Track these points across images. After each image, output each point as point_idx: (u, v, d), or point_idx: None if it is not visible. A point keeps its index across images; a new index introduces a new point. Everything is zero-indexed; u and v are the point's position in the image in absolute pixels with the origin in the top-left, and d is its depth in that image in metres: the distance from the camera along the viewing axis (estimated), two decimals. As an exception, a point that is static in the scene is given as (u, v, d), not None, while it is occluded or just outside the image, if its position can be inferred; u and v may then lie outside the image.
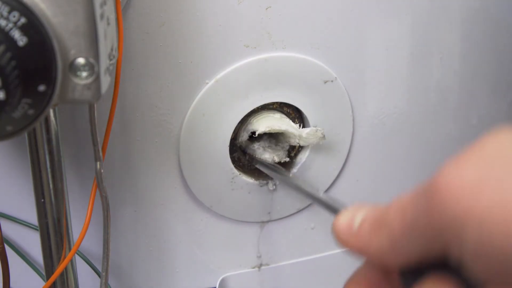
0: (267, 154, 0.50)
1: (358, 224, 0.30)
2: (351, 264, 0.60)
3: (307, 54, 0.48)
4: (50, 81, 0.30)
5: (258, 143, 0.50)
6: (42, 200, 0.40)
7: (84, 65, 0.31)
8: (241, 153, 0.52)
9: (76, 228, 0.42)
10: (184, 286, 0.54)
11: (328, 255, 0.57)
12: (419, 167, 0.58)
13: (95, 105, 0.36)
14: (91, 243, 0.50)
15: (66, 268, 0.42)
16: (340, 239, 0.31)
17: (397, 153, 0.56)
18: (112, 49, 0.35)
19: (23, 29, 0.29)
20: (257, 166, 0.51)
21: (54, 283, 0.42)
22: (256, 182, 0.52)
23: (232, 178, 0.51)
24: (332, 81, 0.50)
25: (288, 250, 0.56)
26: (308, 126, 0.51)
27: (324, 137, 0.49)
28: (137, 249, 0.52)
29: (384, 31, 0.50)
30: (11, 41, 0.29)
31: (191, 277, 0.54)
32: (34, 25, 0.29)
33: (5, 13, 0.29)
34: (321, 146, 0.51)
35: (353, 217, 0.31)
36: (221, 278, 0.54)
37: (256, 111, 0.49)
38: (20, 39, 0.29)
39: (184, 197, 0.51)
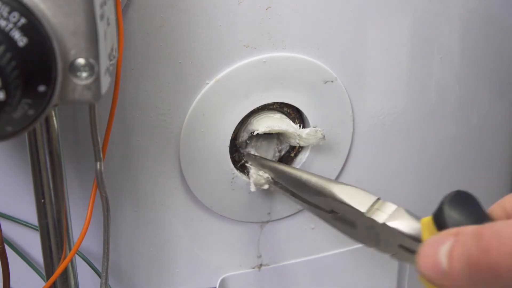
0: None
1: (446, 262, 0.27)
2: (351, 264, 0.61)
3: (307, 54, 0.48)
4: (50, 81, 0.30)
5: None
6: (42, 200, 0.40)
7: (84, 66, 0.31)
8: (241, 154, 0.52)
9: (76, 228, 0.42)
10: (184, 286, 0.54)
11: (328, 255, 0.57)
12: (419, 167, 0.58)
13: (95, 106, 0.36)
14: (91, 243, 0.50)
15: (66, 268, 0.42)
16: (429, 281, 0.28)
17: (397, 153, 0.56)
18: (112, 49, 0.35)
19: (23, 29, 0.29)
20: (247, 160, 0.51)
21: (54, 283, 0.42)
22: (256, 182, 0.52)
23: (232, 178, 0.51)
24: (332, 81, 0.50)
25: (288, 250, 0.56)
26: (308, 126, 0.51)
27: (324, 137, 0.50)
28: (137, 249, 0.52)
29: (384, 31, 0.50)
30: (11, 42, 0.29)
31: (191, 277, 0.54)
32: (34, 26, 0.29)
33: (5, 14, 0.29)
34: (321, 146, 0.51)
35: (435, 250, 0.27)
36: (221, 278, 0.54)
37: (256, 111, 0.49)
38: (20, 40, 0.29)
39: (184, 197, 0.51)
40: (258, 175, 0.49)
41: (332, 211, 0.43)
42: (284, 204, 0.53)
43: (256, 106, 0.49)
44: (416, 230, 0.36)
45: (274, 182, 0.49)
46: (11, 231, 0.50)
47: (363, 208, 0.40)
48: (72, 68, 0.31)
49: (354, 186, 0.42)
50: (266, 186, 0.49)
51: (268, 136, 0.51)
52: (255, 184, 0.49)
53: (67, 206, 0.41)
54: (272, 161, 0.49)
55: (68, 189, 0.41)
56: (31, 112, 0.31)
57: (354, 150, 0.53)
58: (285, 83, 0.48)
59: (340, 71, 0.50)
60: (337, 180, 0.54)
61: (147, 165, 0.49)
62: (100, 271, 0.44)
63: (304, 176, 0.45)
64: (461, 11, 0.54)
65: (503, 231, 0.25)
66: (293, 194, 0.47)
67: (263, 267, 0.55)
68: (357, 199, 0.41)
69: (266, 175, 0.49)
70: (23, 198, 0.48)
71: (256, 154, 0.51)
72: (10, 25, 0.29)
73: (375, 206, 0.40)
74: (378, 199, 0.40)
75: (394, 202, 0.58)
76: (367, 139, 0.54)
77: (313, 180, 0.44)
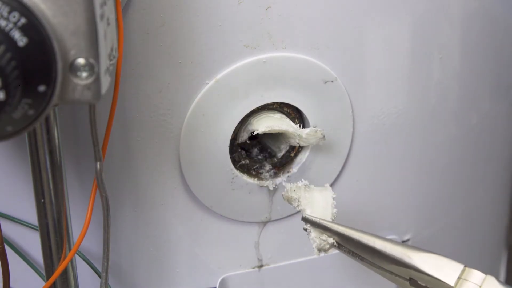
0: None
1: None
2: (350, 264, 0.60)
3: (307, 54, 0.48)
4: (50, 81, 0.30)
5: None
6: (42, 200, 0.40)
7: (84, 66, 0.31)
8: (241, 154, 0.52)
9: (76, 228, 0.42)
10: (184, 286, 0.54)
11: (328, 255, 0.57)
12: (419, 167, 0.58)
13: (95, 106, 0.36)
14: (91, 243, 0.50)
15: (66, 268, 0.42)
16: None
17: (397, 153, 0.56)
18: (112, 49, 0.35)
19: (23, 29, 0.29)
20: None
21: (54, 283, 0.42)
22: (256, 182, 0.52)
23: (232, 178, 0.51)
24: (332, 81, 0.50)
25: (288, 250, 0.56)
26: (308, 126, 0.51)
27: (324, 137, 0.50)
28: (137, 249, 0.52)
29: (384, 31, 0.50)
30: (11, 42, 0.29)
31: (191, 277, 0.54)
32: (34, 26, 0.29)
33: (5, 14, 0.29)
34: (321, 146, 0.51)
35: None
36: (221, 278, 0.54)
37: (256, 111, 0.49)
38: (20, 40, 0.29)
39: (184, 197, 0.51)
40: (321, 240, 0.44)
41: (410, 279, 0.40)
42: (284, 204, 0.53)
43: (256, 106, 0.49)
44: None
45: (339, 246, 0.44)
46: (11, 231, 0.50)
47: (451, 281, 0.37)
48: (72, 68, 0.31)
49: (435, 253, 0.39)
50: (331, 251, 0.45)
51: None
52: (319, 250, 0.44)
53: (67, 206, 0.41)
54: (336, 224, 0.44)
55: (68, 189, 0.41)
56: (31, 112, 0.31)
57: (354, 150, 0.53)
58: (285, 83, 0.48)
59: (340, 71, 0.50)
60: (336, 179, 0.54)
61: (147, 165, 0.49)
62: (100, 271, 0.44)
63: (378, 243, 0.41)
64: (461, 11, 0.54)
65: None
66: (363, 259, 0.43)
67: (263, 267, 0.55)
68: (442, 270, 0.38)
69: (331, 239, 0.44)
70: (23, 198, 0.48)
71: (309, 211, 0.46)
72: (10, 25, 0.29)
73: (463, 276, 0.38)
74: (465, 267, 0.38)
75: (393, 202, 0.58)
76: (367, 139, 0.54)
77: (388, 247, 0.40)
